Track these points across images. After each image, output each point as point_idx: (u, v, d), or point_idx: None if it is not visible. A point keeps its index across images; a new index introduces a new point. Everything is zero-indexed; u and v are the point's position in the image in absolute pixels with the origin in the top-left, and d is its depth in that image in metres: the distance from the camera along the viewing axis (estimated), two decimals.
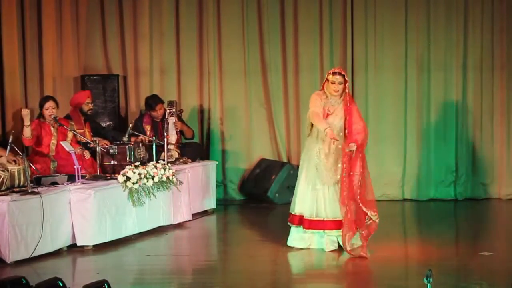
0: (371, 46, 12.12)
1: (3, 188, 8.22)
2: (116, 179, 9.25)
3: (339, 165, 8.49)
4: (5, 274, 7.45)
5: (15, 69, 11.48)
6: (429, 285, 5.36)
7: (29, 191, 8.28)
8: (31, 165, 8.84)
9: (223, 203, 11.99)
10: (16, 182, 8.41)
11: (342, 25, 12.17)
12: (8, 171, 8.31)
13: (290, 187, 11.81)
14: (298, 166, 12.06)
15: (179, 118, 11.32)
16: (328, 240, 8.58)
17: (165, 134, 10.53)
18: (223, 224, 11.07)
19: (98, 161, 9.64)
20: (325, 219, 8.53)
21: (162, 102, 11.29)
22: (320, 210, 8.55)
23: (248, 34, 12.29)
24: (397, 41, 12.10)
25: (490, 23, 11.97)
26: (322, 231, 8.57)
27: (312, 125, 8.61)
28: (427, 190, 12.10)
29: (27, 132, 9.62)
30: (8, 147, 8.66)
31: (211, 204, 11.30)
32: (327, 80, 8.53)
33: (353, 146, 8.38)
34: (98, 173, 9.54)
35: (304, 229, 8.64)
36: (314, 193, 8.58)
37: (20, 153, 8.61)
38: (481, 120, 12.06)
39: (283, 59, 12.32)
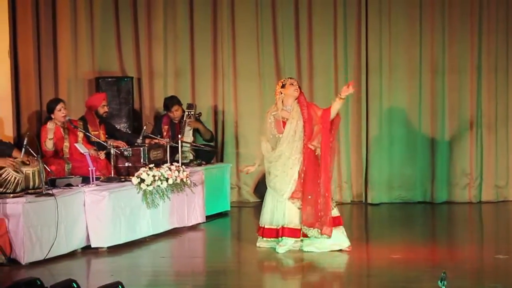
0: (385, 48, 12.10)
1: (18, 189, 8.24)
2: (130, 181, 9.26)
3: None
4: (19, 275, 7.47)
5: (30, 71, 11.53)
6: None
7: (44, 192, 8.31)
8: (46, 167, 8.87)
9: (237, 205, 11.99)
10: (31, 183, 8.43)
11: (356, 27, 12.15)
12: (23, 172, 8.33)
13: None
14: None
15: (198, 121, 11.35)
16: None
17: (180, 136, 10.53)
18: (237, 226, 11.07)
19: (112, 163, 9.66)
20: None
21: (179, 103, 11.32)
22: None
23: (262, 36, 12.29)
24: (411, 43, 12.08)
25: (505, 26, 11.94)
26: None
27: None
28: (441, 192, 12.06)
29: (50, 144, 9.73)
30: (23, 149, 8.68)
31: (225, 206, 11.31)
32: (283, 87, 8.80)
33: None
34: (112, 175, 9.55)
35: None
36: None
37: (35, 155, 8.64)
38: (495, 122, 12.01)
39: (297, 62, 12.31)
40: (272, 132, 8.83)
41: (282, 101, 8.82)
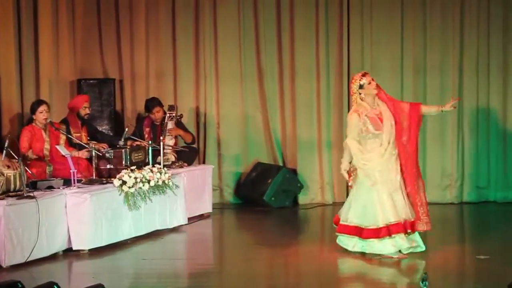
0: (367, 49, 12.12)
1: None
2: (112, 183, 9.25)
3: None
4: (1, 278, 7.44)
5: (11, 73, 11.46)
6: None
7: (25, 195, 8.28)
8: (27, 169, 8.84)
9: (219, 207, 11.97)
10: (12, 186, 8.40)
11: (338, 28, 12.16)
12: (4, 175, 8.30)
13: (286, 191, 11.84)
14: (294, 170, 12.16)
15: (179, 123, 11.34)
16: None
17: (162, 137, 10.52)
18: (219, 228, 11.06)
19: (94, 165, 9.63)
20: None
21: (160, 105, 11.31)
22: None
23: (244, 39, 12.29)
24: (393, 43, 12.10)
25: (486, 25, 11.96)
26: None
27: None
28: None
29: (30, 153, 9.86)
30: (4, 151, 8.64)
31: (207, 208, 11.29)
32: (361, 87, 8.53)
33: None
34: (94, 177, 9.52)
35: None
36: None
37: (16, 157, 8.61)
38: (477, 122, 12.05)
39: (279, 64, 12.31)
40: (370, 131, 8.48)
41: (362, 100, 8.57)
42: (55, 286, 5.69)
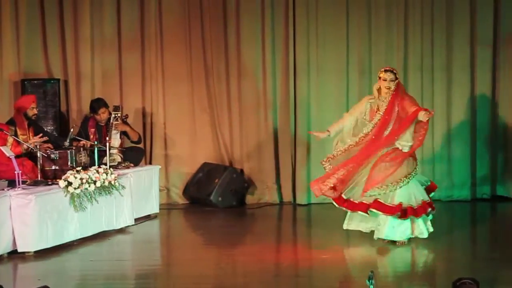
0: (313, 50, 12.16)
1: None
2: (58, 184, 9.16)
3: None
4: None
5: None
6: (371, 286, 5.41)
7: None
8: None
9: (167, 207, 11.92)
10: None
11: (284, 28, 12.19)
12: None
13: (233, 191, 11.84)
14: (241, 170, 12.17)
15: (125, 123, 11.26)
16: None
17: (107, 138, 10.45)
18: (166, 229, 11.03)
19: (39, 166, 9.53)
20: None
21: (106, 106, 11.23)
22: None
23: (190, 38, 12.25)
24: (338, 45, 12.15)
25: (430, 26, 12.08)
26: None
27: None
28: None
29: None
30: None
31: (154, 208, 11.24)
32: (380, 78, 9.09)
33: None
34: (39, 178, 9.42)
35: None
36: None
37: None
38: None
39: (225, 64, 12.30)
40: (365, 117, 9.13)
41: (378, 91, 9.08)
42: None
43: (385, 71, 9.07)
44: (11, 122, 10.39)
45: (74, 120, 12.12)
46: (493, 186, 12.21)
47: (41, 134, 10.13)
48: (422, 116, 8.71)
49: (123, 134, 11.26)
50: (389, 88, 8.99)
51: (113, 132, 10.98)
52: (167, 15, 12.25)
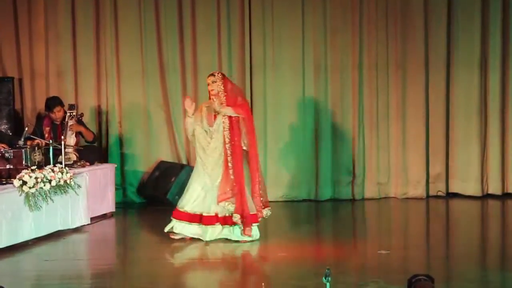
0: (269, 46, 12.17)
1: None
2: (12, 183, 9.06)
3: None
4: None
5: None
6: (328, 284, 5.42)
7: None
8: None
9: (122, 206, 11.86)
10: None
11: (240, 25, 12.19)
12: None
13: None
14: None
15: (80, 122, 11.17)
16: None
17: (63, 137, 10.37)
18: (122, 227, 10.97)
19: None
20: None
21: (61, 104, 11.12)
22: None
23: (145, 34, 12.20)
24: (294, 42, 12.19)
25: (384, 24, 12.15)
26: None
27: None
28: (325, 190, 12.21)
29: None
30: None
31: (110, 207, 11.17)
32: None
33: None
34: None
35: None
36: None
37: None
38: (377, 119, 12.25)
39: (181, 60, 12.27)
40: (203, 124, 9.22)
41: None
42: None
43: (208, 76, 9.34)
44: None
45: (29, 118, 12.01)
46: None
47: None
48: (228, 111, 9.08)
49: (78, 133, 11.18)
50: (212, 91, 9.20)
51: (69, 132, 10.89)
52: (122, 11, 12.18)
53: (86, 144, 11.27)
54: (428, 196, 12.23)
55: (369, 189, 12.26)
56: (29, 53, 12.18)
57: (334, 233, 10.19)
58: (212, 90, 9.19)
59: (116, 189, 11.66)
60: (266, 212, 9.24)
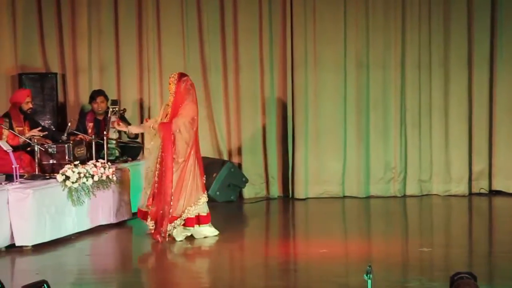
0: (310, 43, 12.15)
1: None
2: (55, 178, 9.15)
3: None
4: None
5: None
6: (369, 281, 5.40)
7: None
8: None
9: None
10: None
11: (281, 22, 12.18)
12: None
13: (231, 185, 11.84)
14: (239, 164, 12.17)
15: (122, 118, 11.23)
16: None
17: (105, 132, 10.43)
18: None
19: (36, 160, 9.51)
20: None
21: (105, 96, 11.20)
22: None
23: (188, 31, 12.23)
24: (336, 38, 12.15)
25: (427, 22, 12.08)
26: None
27: None
28: (366, 187, 12.17)
29: None
30: None
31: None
32: None
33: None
34: (36, 172, 9.41)
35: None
36: None
37: None
38: (419, 117, 12.18)
39: (223, 57, 12.29)
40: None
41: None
42: None
43: (171, 76, 9.41)
44: (6, 116, 10.37)
45: (72, 114, 12.09)
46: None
47: (40, 128, 10.14)
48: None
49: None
50: (170, 91, 9.30)
51: (111, 127, 10.96)
52: (164, 8, 12.22)
53: (129, 139, 11.33)
54: (470, 194, 12.13)
55: (411, 186, 12.19)
56: (72, 49, 12.26)
57: (375, 230, 10.15)
58: (170, 90, 9.33)
59: None
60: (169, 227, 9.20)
